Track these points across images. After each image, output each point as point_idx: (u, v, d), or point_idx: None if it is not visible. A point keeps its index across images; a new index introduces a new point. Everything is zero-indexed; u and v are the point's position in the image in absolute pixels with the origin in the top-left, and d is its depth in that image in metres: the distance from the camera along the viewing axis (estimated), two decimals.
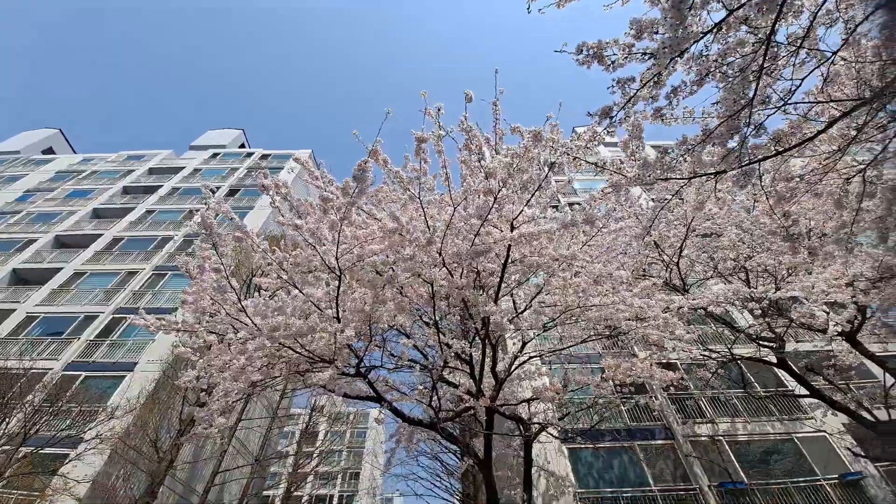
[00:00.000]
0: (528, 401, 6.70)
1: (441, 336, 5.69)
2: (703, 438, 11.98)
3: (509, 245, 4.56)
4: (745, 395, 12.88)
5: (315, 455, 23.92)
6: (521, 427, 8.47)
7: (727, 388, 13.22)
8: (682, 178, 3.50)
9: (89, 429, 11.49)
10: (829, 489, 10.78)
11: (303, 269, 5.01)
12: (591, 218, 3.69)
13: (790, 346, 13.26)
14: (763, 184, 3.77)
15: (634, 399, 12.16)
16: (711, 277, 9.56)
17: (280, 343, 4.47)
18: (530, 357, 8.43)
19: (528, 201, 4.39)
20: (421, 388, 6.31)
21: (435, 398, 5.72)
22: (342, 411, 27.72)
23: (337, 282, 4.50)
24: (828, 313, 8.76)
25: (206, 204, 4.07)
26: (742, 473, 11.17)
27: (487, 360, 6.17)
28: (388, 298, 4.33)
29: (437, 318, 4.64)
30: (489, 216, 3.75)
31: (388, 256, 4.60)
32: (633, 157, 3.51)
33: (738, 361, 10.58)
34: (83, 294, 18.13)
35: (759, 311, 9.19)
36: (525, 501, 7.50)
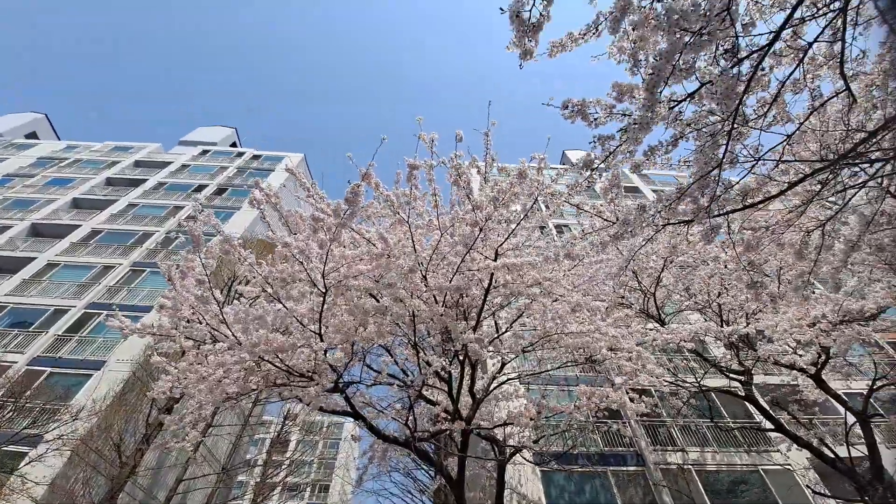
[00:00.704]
0: (504, 425, 6.77)
1: (421, 354, 5.76)
2: (672, 466, 12.18)
3: (492, 273, 4.70)
4: (714, 425, 13.18)
5: (285, 465, 23.30)
6: (495, 449, 8.52)
7: (698, 418, 13.53)
8: (657, 226, 3.72)
9: (52, 429, 11.05)
10: None
11: (287, 281, 5.06)
12: (572, 255, 3.88)
13: (759, 378, 13.70)
14: (732, 232, 4.00)
15: (608, 424, 12.33)
16: (687, 309, 9.89)
17: (260, 357, 4.49)
18: (509, 378, 8.53)
19: (512, 231, 4.56)
20: (398, 407, 6.33)
21: (411, 417, 5.76)
22: (316, 421, 27.16)
23: (322, 299, 4.56)
24: (794, 350, 9.13)
25: (193, 212, 4.10)
26: (709, 503, 11.37)
27: (466, 379, 6.25)
28: (370, 322, 4.40)
29: (417, 340, 4.72)
30: (474, 245, 3.90)
31: (374, 278, 4.68)
32: (612, 202, 3.71)
33: (708, 392, 10.91)
34: (55, 286, 17.57)
35: (729, 344, 9.53)
36: None
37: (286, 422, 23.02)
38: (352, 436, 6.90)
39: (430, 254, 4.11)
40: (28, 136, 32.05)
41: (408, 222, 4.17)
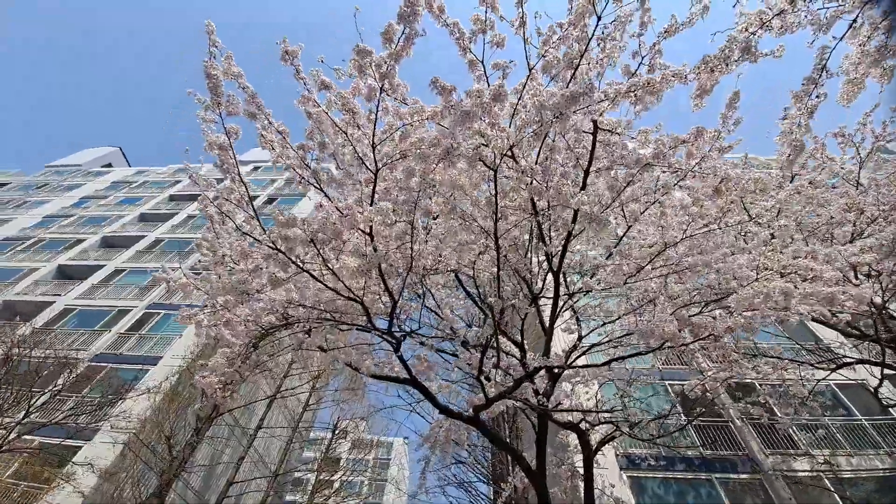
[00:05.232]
0: (590, 412, 5.38)
1: (499, 281, 4.54)
2: (799, 473, 9.75)
3: (594, 140, 3.48)
4: (845, 424, 10.58)
5: (335, 483, 22.34)
6: (580, 439, 7.02)
7: (820, 415, 10.96)
8: None
9: (105, 418, 10.85)
10: None
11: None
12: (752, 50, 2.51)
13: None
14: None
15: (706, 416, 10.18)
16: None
17: (293, 262, 3.51)
18: (593, 345, 7.05)
19: (646, 56, 3.25)
20: (471, 351, 5.04)
21: (486, 364, 4.52)
22: (365, 438, 26.22)
23: (372, 184, 3.55)
24: None
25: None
26: None
27: (546, 317, 4.94)
28: (440, 181, 3.26)
29: (497, 236, 3.48)
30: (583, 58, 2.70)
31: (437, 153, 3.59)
32: None
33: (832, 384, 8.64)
34: (120, 289, 18.26)
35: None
36: None
37: (335, 434, 22.26)
38: (405, 435, 5.75)
39: (521, 86, 2.98)
40: (104, 167, 35.17)
41: (482, 62, 3.10)
